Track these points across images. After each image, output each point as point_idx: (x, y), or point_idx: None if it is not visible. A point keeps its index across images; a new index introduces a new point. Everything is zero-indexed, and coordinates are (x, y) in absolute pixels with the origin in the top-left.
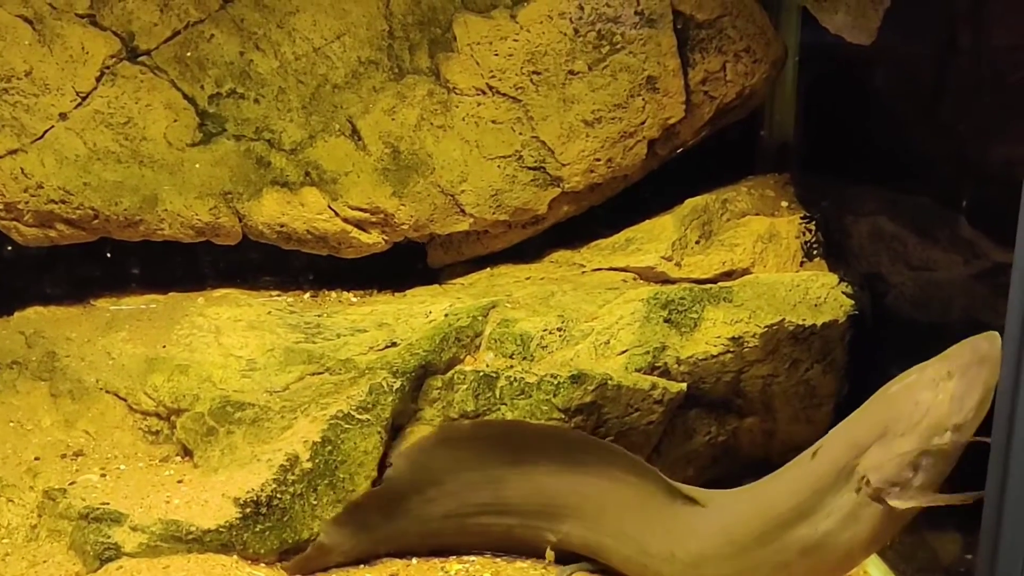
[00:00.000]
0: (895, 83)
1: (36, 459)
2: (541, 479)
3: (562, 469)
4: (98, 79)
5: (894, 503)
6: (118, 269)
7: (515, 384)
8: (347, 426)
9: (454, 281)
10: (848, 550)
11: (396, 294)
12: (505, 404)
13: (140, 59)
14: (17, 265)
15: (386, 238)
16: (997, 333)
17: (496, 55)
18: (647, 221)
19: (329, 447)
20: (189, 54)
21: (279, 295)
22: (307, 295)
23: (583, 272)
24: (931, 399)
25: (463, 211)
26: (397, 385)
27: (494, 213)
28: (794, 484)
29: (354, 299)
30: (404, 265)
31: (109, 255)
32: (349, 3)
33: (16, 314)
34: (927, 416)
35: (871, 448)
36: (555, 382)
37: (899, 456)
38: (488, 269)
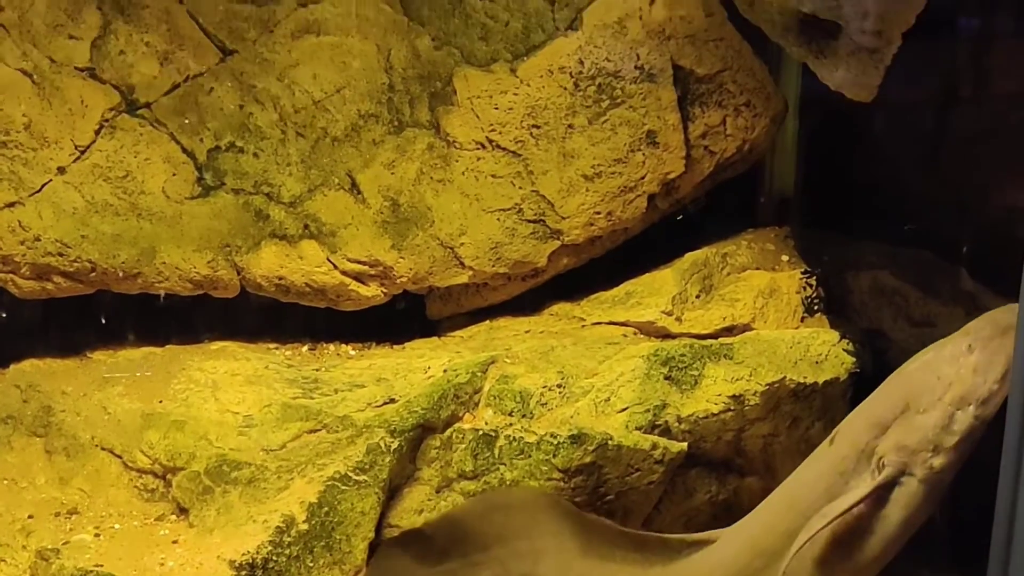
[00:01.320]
0: (895, 136)
1: (30, 517)
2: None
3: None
4: (97, 132)
5: (919, 478)
6: (115, 321)
7: (514, 444)
8: (344, 487)
9: (453, 334)
10: (883, 532)
11: (395, 347)
12: (504, 464)
13: (139, 112)
14: (13, 317)
15: (385, 291)
16: (1016, 305)
17: (496, 109)
18: (647, 275)
19: (326, 508)
20: (188, 107)
21: (277, 348)
22: (305, 348)
23: (583, 326)
24: (953, 373)
25: (462, 264)
26: (395, 445)
27: (493, 266)
28: (816, 473)
29: (352, 352)
30: (403, 317)
31: (106, 307)
32: (349, 56)
33: (12, 367)
34: (950, 390)
35: (892, 426)
36: (555, 442)
37: (922, 432)
38: (487, 322)
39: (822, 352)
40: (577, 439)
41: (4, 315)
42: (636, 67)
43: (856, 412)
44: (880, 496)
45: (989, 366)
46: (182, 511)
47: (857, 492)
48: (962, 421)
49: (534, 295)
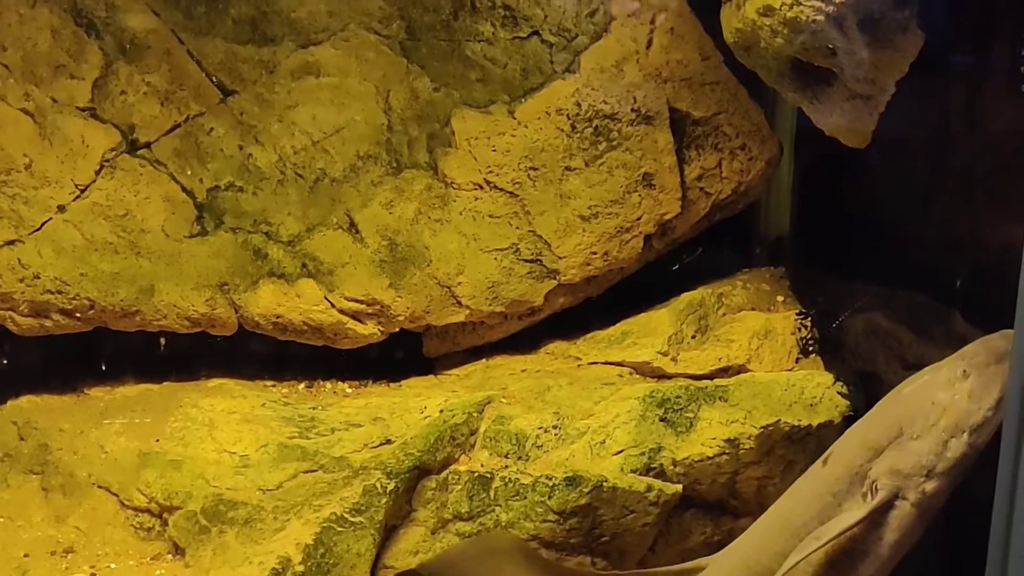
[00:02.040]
0: (889, 178)
1: (26, 556)
2: None
3: None
4: (97, 172)
5: (912, 502)
6: (113, 357)
7: (510, 486)
8: (340, 529)
9: (450, 372)
10: (877, 554)
11: (391, 385)
12: (500, 506)
13: (140, 152)
14: (11, 354)
15: (382, 329)
16: (1012, 331)
17: (494, 150)
18: (643, 314)
19: (322, 550)
20: (189, 147)
21: (274, 385)
22: (302, 385)
23: (579, 365)
24: (948, 399)
25: (459, 303)
26: (391, 487)
27: (490, 305)
28: (810, 494)
29: (349, 390)
30: (399, 354)
31: (104, 344)
32: (348, 98)
33: (9, 403)
34: (944, 416)
35: (886, 450)
36: (550, 484)
37: (916, 457)
38: (484, 360)
39: (816, 395)
40: (572, 481)
41: (2, 352)
42: (633, 110)
43: (850, 433)
44: (874, 519)
45: (984, 393)
46: (178, 551)
47: (853, 515)
48: (955, 448)
49: (530, 333)
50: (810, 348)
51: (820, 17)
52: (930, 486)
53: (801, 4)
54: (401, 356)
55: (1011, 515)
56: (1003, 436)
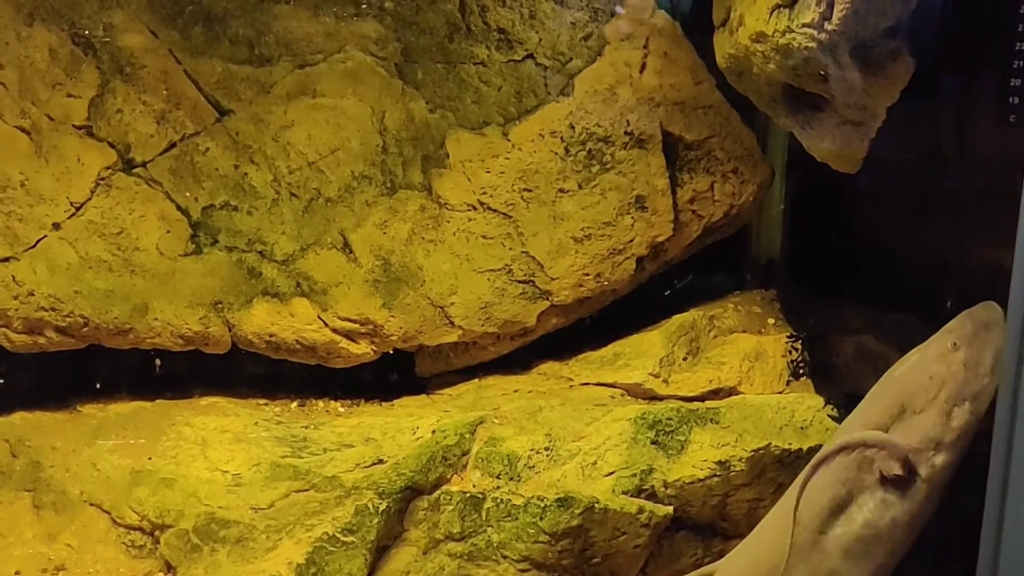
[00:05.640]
0: (879, 202)
1: (17, 573)
2: None
3: None
4: (93, 190)
5: (924, 477)
6: (106, 375)
7: (501, 506)
8: (332, 548)
9: (442, 391)
10: (891, 536)
11: (383, 404)
12: (491, 526)
13: (135, 170)
14: (4, 371)
15: (375, 348)
16: (992, 302)
17: (488, 172)
18: (635, 336)
19: (314, 569)
20: (184, 166)
21: (266, 403)
22: (294, 404)
23: (571, 386)
24: (944, 371)
25: (452, 323)
26: (383, 507)
27: (483, 325)
28: (818, 484)
29: (341, 409)
30: (392, 373)
31: (97, 360)
32: (344, 119)
33: (1, 420)
34: (944, 388)
35: (891, 429)
36: (542, 505)
37: (922, 431)
38: (476, 380)
39: (807, 418)
40: (564, 503)
41: None
42: (626, 133)
43: (850, 421)
44: (885, 500)
45: (979, 360)
46: (170, 569)
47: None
48: (959, 417)
49: (523, 353)
50: (801, 371)
51: (812, 44)
52: (939, 459)
53: (793, 31)
54: (394, 375)
55: (1001, 515)
56: (994, 438)
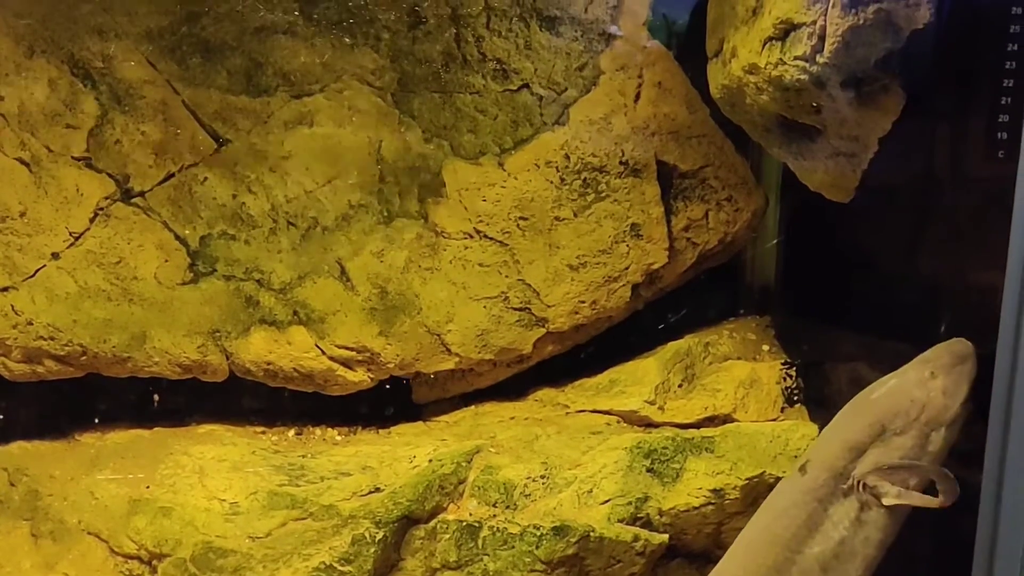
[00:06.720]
0: (874, 229)
1: None
2: None
3: None
4: (91, 220)
5: (890, 502)
6: (104, 403)
7: (498, 535)
8: None
9: (439, 419)
10: (865, 555)
11: (380, 432)
12: (488, 555)
13: (134, 200)
14: (2, 400)
15: (372, 376)
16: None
17: (484, 201)
18: (631, 363)
19: None
20: (182, 196)
21: (264, 432)
22: (292, 432)
23: (567, 413)
24: (924, 396)
25: (449, 350)
26: (380, 536)
27: (479, 352)
28: (792, 503)
29: (339, 437)
30: (389, 401)
31: (95, 389)
32: (341, 149)
33: None
34: (924, 412)
35: (870, 448)
36: (538, 533)
37: (902, 452)
38: (473, 407)
39: (801, 446)
40: (560, 531)
41: None
42: (621, 162)
43: (825, 439)
44: (860, 519)
45: (956, 390)
46: None
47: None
48: (935, 442)
49: (519, 380)
50: (795, 397)
51: (804, 76)
52: (913, 481)
53: (785, 63)
54: (391, 403)
55: (997, 516)
56: (987, 439)
